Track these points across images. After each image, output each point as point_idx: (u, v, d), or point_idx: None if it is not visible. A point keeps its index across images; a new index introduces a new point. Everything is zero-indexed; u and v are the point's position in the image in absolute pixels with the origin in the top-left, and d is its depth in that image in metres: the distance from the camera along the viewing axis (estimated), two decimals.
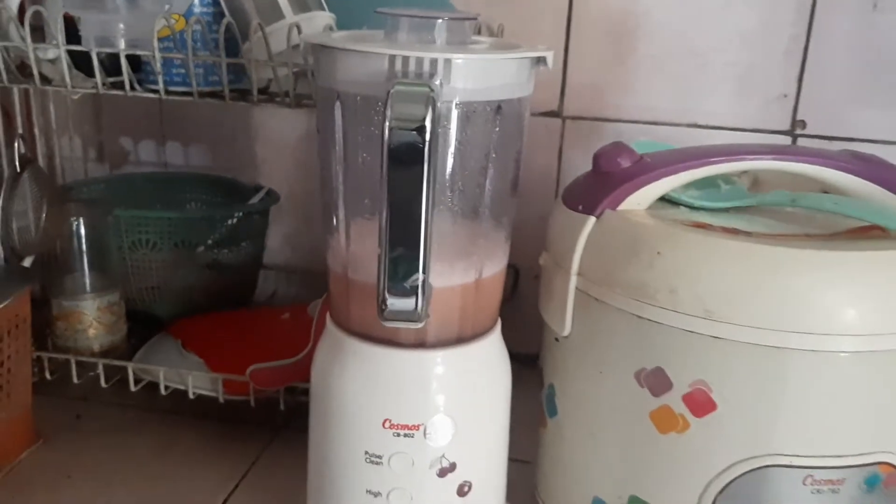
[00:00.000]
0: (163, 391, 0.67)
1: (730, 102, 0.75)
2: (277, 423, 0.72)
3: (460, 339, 0.49)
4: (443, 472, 0.49)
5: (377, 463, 0.48)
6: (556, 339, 0.55)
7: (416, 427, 0.47)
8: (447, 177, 0.45)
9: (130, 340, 0.74)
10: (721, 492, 0.47)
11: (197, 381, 0.67)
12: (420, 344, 0.48)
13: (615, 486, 0.52)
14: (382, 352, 0.47)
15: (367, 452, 0.48)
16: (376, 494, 0.49)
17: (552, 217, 0.56)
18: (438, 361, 0.48)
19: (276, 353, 0.66)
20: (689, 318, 0.46)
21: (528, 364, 0.59)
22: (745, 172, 0.61)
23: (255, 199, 0.81)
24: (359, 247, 0.47)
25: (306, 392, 0.52)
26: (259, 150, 0.86)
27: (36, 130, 0.79)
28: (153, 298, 0.76)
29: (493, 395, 0.50)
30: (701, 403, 0.47)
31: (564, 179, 0.79)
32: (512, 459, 0.54)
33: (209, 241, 0.78)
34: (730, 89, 0.75)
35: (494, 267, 0.49)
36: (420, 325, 0.43)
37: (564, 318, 0.53)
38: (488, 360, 0.50)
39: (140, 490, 0.63)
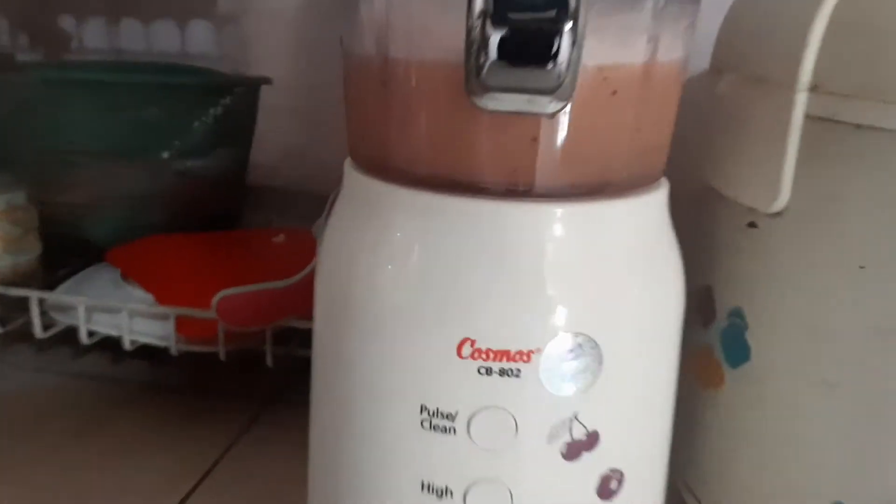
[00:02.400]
0: (83, 339, 0.43)
1: None
2: (263, 392, 0.48)
3: (603, 190, 0.25)
4: (573, 451, 0.25)
5: (445, 429, 0.24)
6: (752, 225, 0.31)
7: (525, 356, 0.24)
8: None
9: (55, 272, 0.50)
10: None
11: (137, 321, 0.43)
12: (527, 191, 0.24)
13: (885, 477, 0.28)
14: (458, 207, 0.24)
15: (424, 408, 0.24)
16: (442, 493, 0.25)
17: (744, 7, 0.32)
18: (564, 223, 0.24)
19: (263, 279, 0.42)
20: None
21: None
22: None
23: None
24: None
25: (308, 339, 0.28)
26: (246, 29, 0.63)
27: None
28: (86, 217, 0.52)
29: (662, 308, 0.26)
30: None
31: None
32: None
33: (173, 144, 0.55)
34: None
35: (671, 51, 0.26)
36: (559, 108, 0.20)
37: (779, 178, 0.29)
38: (654, 234, 0.26)
39: (44, 486, 0.40)
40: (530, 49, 0.18)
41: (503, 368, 0.24)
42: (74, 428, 0.46)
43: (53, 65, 0.63)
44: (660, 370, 0.26)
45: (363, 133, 0.26)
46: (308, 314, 0.29)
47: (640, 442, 0.26)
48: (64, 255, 0.53)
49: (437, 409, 0.24)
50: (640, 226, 0.26)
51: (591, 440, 0.25)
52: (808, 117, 0.28)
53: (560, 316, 0.24)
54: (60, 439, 0.44)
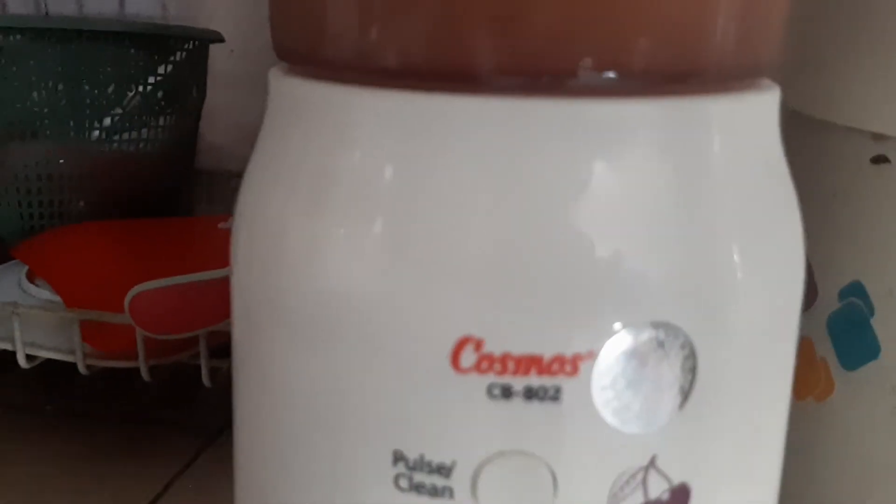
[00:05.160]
0: None
1: None
2: (208, 424, 0.38)
3: (683, 82, 0.15)
4: None
5: (436, 491, 0.14)
6: (881, 160, 0.21)
7: (568, 366, 0.14)
8: None
9: None
10: None
11: (38, 333, 0.33)
12: (564, 82, 0.14)
13: None
14: (452, 109, 0.14)
15: (401, 458, 0.14)
16: None
17: None
18: (635, 132, 0.14)
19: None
20: None
21: None
22: None
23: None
24: None
25: None
26: None
27: None
28: None
29: (782, 283, 0.17)
30: None
31: None
32: None
33: (102, 114, 0.45)
34: None
35: None
36: None
37: None
38: (765, 159, 0.16)
39: None
40: None
41: (531, 387, 0.14)
42: None
43: None
44: (775, 385, 0.17)
45: (294, 13, 0.16)
46: None
47: (750, 500, 0.16)
48: None
49: (422, 459, 0.14)
50: (748, 142, 0.16)
51: (678, 501, 0.15)
52: None
53: (626, 295, 0.14)
54: None
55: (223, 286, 0.31)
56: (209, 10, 0.53)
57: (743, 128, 0.16)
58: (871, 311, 0.21)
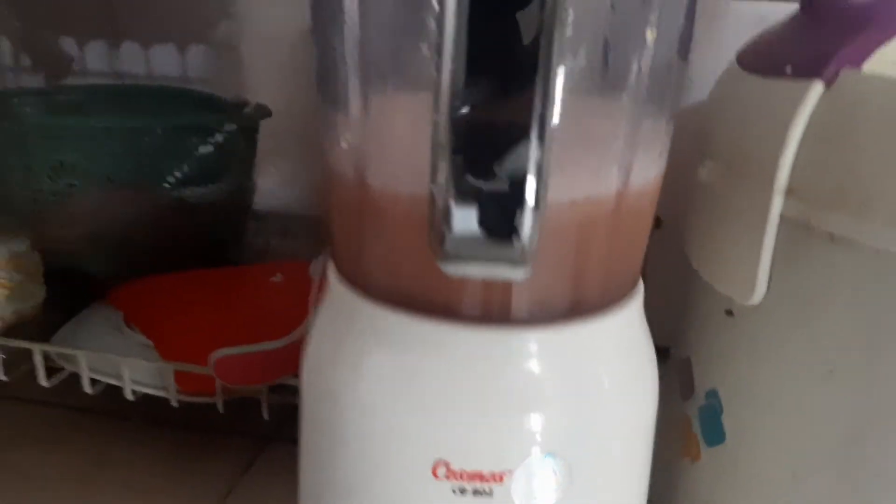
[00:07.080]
0: (87, 389, 0.45)
1: None
2: (262, 431, 0.50)
3: (577, 310, 0.25)
4: None
5: None
6: (730, 313, 0.31)
7: (497, 478, 0.24)
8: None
9: (52, 313, 0.51)
10: None
11: (138, 372, 0.44)
12: (503, 317, 0.25)
13: None
14: (433, 331, 0.25)
15: None
16: None
17: (724, 96, 0.33)
18: (538, 352, 0.25)
19: (260, 331, 0.43)
20: None
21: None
22: None
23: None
24: (389, 122, 0.24)
25: None
26: (245, 53, 0.63)
27: None
28: (84, 251, 0.53)
29: (635, 421, 0.27)
30: None
31: None
32: None
33: (174, 174, 0.55)
34: None
35: (647, 171, 0.26)
36: (525, 276, 0.20)
37: (756, 272, 0.29)
38: (626, 352, 0.27)
39: None
40: (492, 226, 0.19)
41: (477, 489, 0.24)
42: (74, 462, 0.47)
43: (51, 92, 0.63)
44: (631, 479, 0.27)
45: (342, 247, 0.27)
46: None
47: None
48: (63, 289, 0.54)
49: None
50: (614, 343, 0.26)
51: None
52: (785, 219, 0.28)
53: (530, 439, 0.24)
54: (58, 473, 0.46)
55: (284, 351, 0.42)
56: (258, 77, 0.63)
57: (613, 329, 0.26)
58: (721, 410, 0.32)
